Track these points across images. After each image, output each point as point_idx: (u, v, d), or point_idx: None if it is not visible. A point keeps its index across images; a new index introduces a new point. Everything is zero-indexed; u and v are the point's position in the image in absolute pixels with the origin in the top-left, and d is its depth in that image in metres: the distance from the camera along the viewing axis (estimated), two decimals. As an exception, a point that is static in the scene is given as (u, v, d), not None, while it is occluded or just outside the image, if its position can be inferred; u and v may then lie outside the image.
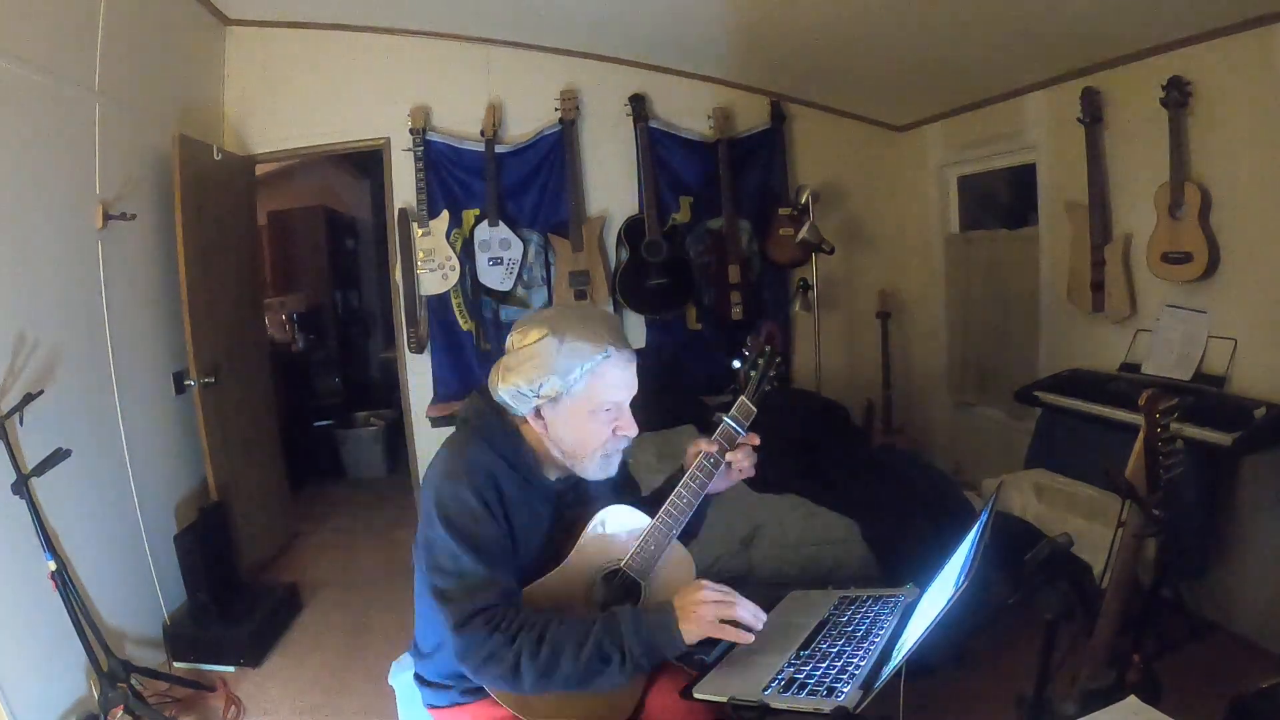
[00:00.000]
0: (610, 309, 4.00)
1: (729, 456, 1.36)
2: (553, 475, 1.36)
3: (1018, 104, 3.39)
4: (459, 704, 1.37)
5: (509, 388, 1.27)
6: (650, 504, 1.40)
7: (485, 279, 3.84)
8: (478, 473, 1.26)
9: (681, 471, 1.37)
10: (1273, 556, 2.33)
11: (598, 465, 1.32)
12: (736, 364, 1.41)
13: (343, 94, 3.85)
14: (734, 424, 1.37)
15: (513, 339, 1.30)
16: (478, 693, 1.34)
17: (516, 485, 1.30)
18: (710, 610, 1.19)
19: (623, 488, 1.48)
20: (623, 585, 1.34)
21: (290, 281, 5.70)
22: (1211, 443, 2.23)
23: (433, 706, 1.42)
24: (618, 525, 1.34)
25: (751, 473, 1.40)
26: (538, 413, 1.29)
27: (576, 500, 1.39)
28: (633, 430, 1.31)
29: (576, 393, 1.26)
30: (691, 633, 1.19)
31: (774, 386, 1.40)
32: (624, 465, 1.44)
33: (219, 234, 3.33)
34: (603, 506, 1.35)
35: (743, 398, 1.38)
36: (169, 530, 2.88)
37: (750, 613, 1.22)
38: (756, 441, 1.40)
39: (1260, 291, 2.42)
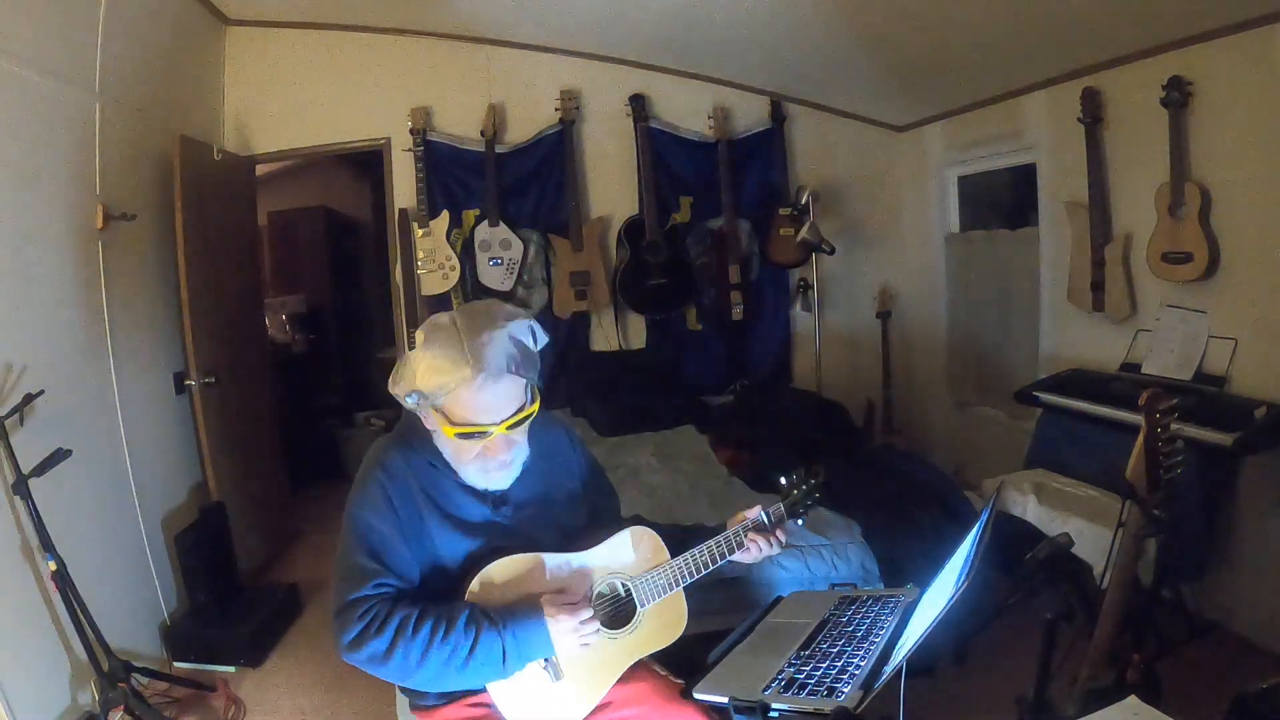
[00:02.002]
0: (610, 309, 4.00)
1: (753, 538, 1.41)
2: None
3: (1018, 104, 3.39)
4: (438, 706, 1.37)
5: (393, 390, 1.28)
6: (668, 535, 1.44)
7: (485, 279, 3.84)
8: (384, 465, 1.30)
9: (706, 527, 1.44)
10: (1273, 556, 2.33)
11: (475, 475, 1.31)
12: (784, 480, 1.51)
13: (343, 94, 3.85)
14: (767, 518, 1.45)
15: (414, 336, 1.32)
16: (452, 695, 1.34)
17: (434, 476, 1.32)
18: (576, 640, 1.26)
19: (570, 489, 1.48)
20: (619, 602, 1.37)
21: (290, 281, 5.69)
22: (1212, 443, 2.23)
23: (416, 708, 1.42)
24: (640, 545, 1.37)
25: (757, 559, 1.44)
26: (426, 416, 1.29)
27: (508, 494, 1.37)
28: (503, 454, 1.28)
29: (440, 407, 1.25)
30: (560, 646, 1.25)
31: (808, 512, 1.50)
32: (582, 452, 1.50)
33: (219, 234, 3.33)
34: (545, 501, 1.40)
35: (781, 504, 1.46)
36: (169, 530, 2.88)
37: (580, 620, 1.27)
38: (780, 547, 1.46)
39: (1260, 291, 2.41)
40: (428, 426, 1.31)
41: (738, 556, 1.42)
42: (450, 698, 1.35)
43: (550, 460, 1.44)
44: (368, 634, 1.19)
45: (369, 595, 1.22)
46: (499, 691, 1.29)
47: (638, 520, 1.46)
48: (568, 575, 1.33)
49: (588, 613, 1.27)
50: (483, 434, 1.25)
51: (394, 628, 1.19)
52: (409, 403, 1.26)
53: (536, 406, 1.31)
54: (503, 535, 1.35)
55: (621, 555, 1.36)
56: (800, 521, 1.49)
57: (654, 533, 1.39)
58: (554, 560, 1.33)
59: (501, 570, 1.30)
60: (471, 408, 1.24)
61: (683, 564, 1.36)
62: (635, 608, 1.35)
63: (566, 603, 1.27)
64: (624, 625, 1.35)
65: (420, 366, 1.23)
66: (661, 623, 1.38)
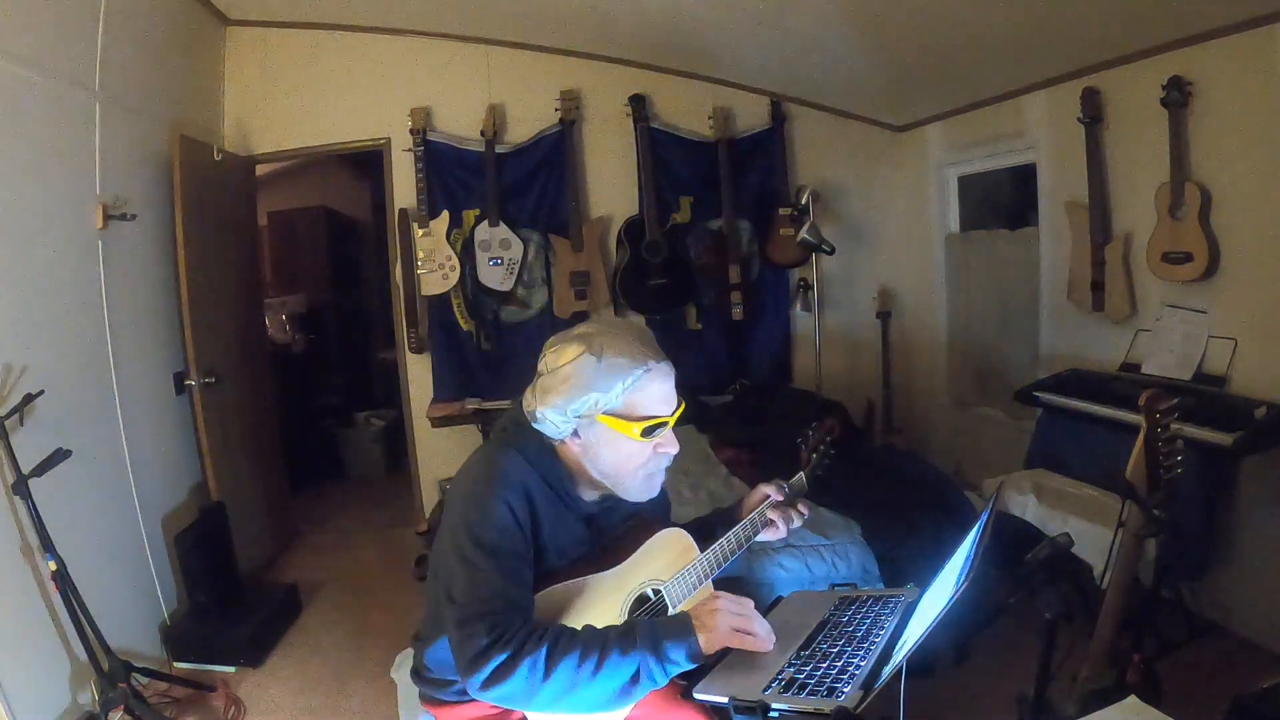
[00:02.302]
0: (610, 309, 4.00)
1: (773, 514, 1.43)
2: (588, 495, 1.34)
3: (1018, 104, 3.39)
4: (457, 702, 1.36)
5: (546, 409, 1.23)
6: (691, 533, 1.40)
7: (485, 279, 3.84)
8: (509, 484, 1.23)
9: (721, 510, 1.43)
10: (1273, 556, 2.33)
11: (640, 485, 1.29)
12: (800, 441, 1.52)
13: (343, 94, 3.85)
14: (788, 489, 1.46)
15: (546, 360, 1.26)
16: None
17: (550, 501, 1.28)
18: (727, 620, 1.18)
19: (665, 509, 1.50)
20: (652, 609, 1.33)
21: (290, 281, 5.70)
22: (1212, 443, 2.23)
23: (428, 701, 1.41)
24: (671, 547, 1.34)
25: (783, 534, 1.45)
26: (575, 433, 1.26)
27: (613, 522, 1.38)
28: (674, 447, 1.29)
29: (615, 410, 1.23)
30: (709, 641, 1.17)
31: (825, 472, 1.51)
32: (663, 488, 1.43)
33: (219, 234, 3.33)
34: (638, 527, 1.35)
35: (801, 474, 1.47)
36: (169, 530, 2.88)
37: (765, 630, 1.22)
38: (802, 519, 1.46)
39: (1260, 291, 2.42)
40: (573, 445, 1.27)
41: (763, 536, 1.42)
42: (468, 695, 1.34)
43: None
44: (496, 651, 1.10)
45: (500, 613, 1.13)
46: None
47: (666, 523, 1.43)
48: (606, 592, 1.29)
49: (733, 599, 1.23)
50: (663, 425, 1.26)
51: (539, 655, 1.11)
52: (574, 412, 1.22)
53: (684, 405, 1.31)
54: (574, 558, 1.32)
55: (654, 561, 1.33)
56: (819, 474, 1.50)
57: (682, 531, 1.35)
58: (590, 581, 1.29)
59: (544, 600, 1.25)
60: (656, 397, 1.25)
61: (710, 557, 1.35)
62: (667, 610, 1.32)
63: (697, 606, 1.22)
64: None
65: (594, 369, 1.20)
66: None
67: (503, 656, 1.09)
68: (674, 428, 1.31)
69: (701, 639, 1.16)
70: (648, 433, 1.24)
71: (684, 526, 1.46)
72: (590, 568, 1.29)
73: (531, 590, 1.21)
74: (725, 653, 1.30)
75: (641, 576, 1.31)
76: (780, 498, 1.43)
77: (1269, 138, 2.33)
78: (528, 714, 1.21)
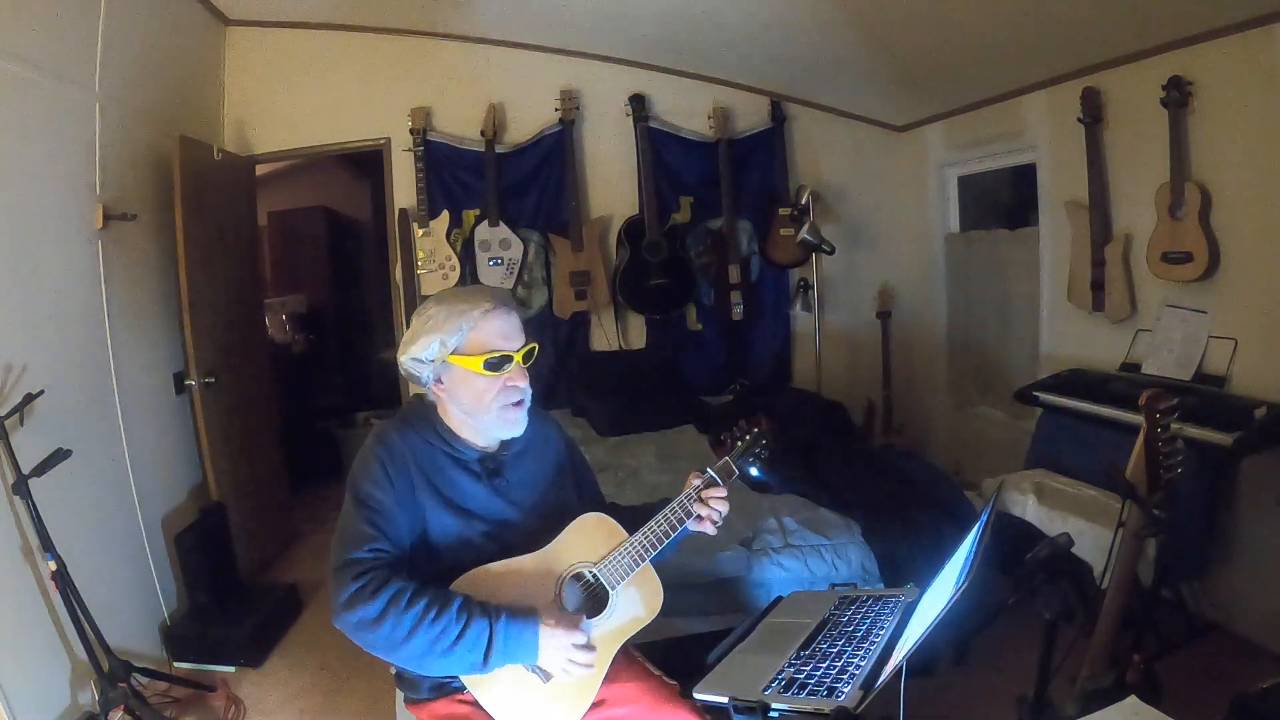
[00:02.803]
0: (610, 309, 4.01)
1: (698, 509, 1.42)
2: (475, 441, 1.42)
3: (1018, 104, 3.39)
4: (430, 700, 1.39)
5: (406, 357, 1.37)
6: (617, 514, 1.46)
7: (485, 279, 3.84)
8: (381, 443, 1.36)
9: (665, 502, 1.44)
10: (1273, 556, 2.33)
11: (497, 419, 1.38)
12: (723, 437, 1.56)
13: (343, 94, 3.85)
14: (714, 475, 1.46)
15: (411, 319, 1.41)
16: (444, 688, 1.37)
17: (437, 454, 1.39)
18: (562, 658, 1.27)
19: (560, 469, 1.54)
20: (591, 590, 1.39)
21: (290, 281, 5.69)
22: (1212, 443, 2.23)
23: (410, 702, 1.44)
24: (595, 532, 1.39)
25: (712, 530, 1.45)
26: (439, 380, 1.38)
27: (502, 468, 1.43)
28: (522, 380, 1.38)
29: (462, 349, 1.34)
30: (545, 659, 1.27)
31: (760, 464, 1.52)
32: (557, 430, 1.55)
33: (219, 234, 3.33)
34: (551, 492, 1.47)
35: (727, 458, 1.48)
36: (169, 530, 2.88)
37: (577, 674, 1.30)
38: (724, 506, 1.45)
39: (1260, 291, 2.42)
40: (438, 391, 1.39)
41: (693, 526, 1.43)
42: (441, 691, 1.37)
43: (542, 444, 1.51)
44: (361, 596, 1.21)
45: (365, 559, 1.25)
46: (487, 695, 1.30)
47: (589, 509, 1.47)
48: (532, 574, 1.35)
49: (583, 638, 1.29)
50: (507, 360, 1.36)
51: (388, 596, 1.21)
52: (426, 357, 1.34)
53: (535, 345, 1.41)
54: (492, 516, 1.39)
55: (580, 545, 1.38)
56: (753, 471, 1.51)
57: (603, 515, 1.41)
58: (518, 562, 1.35)
59: (474, 580, 1.32)
60: (496, 333, 1.36)
61: (641, 539, 1.38)
62: (607, 592, 1.37)
63: (564, 623, 1.28)
64: (600, 611, 1.37)
65: (438, 316, 1.34)
66: (638, 600, 1.40)
67: (369, 610, 1.21)
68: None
69: (541, 654, 1.27)
70: (491, 365, 1.35)
71: (625, 510, 1.55)
72: (510, 551, 1.36)
73: (402, 531, 1.32)
74: (726, 651, 1.31)
75: (570, 559, 1.37)
76: (698, 482, 1.44)
77: (1269, 138, 2.33)
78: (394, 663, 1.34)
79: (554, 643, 1.27)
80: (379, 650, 1.25)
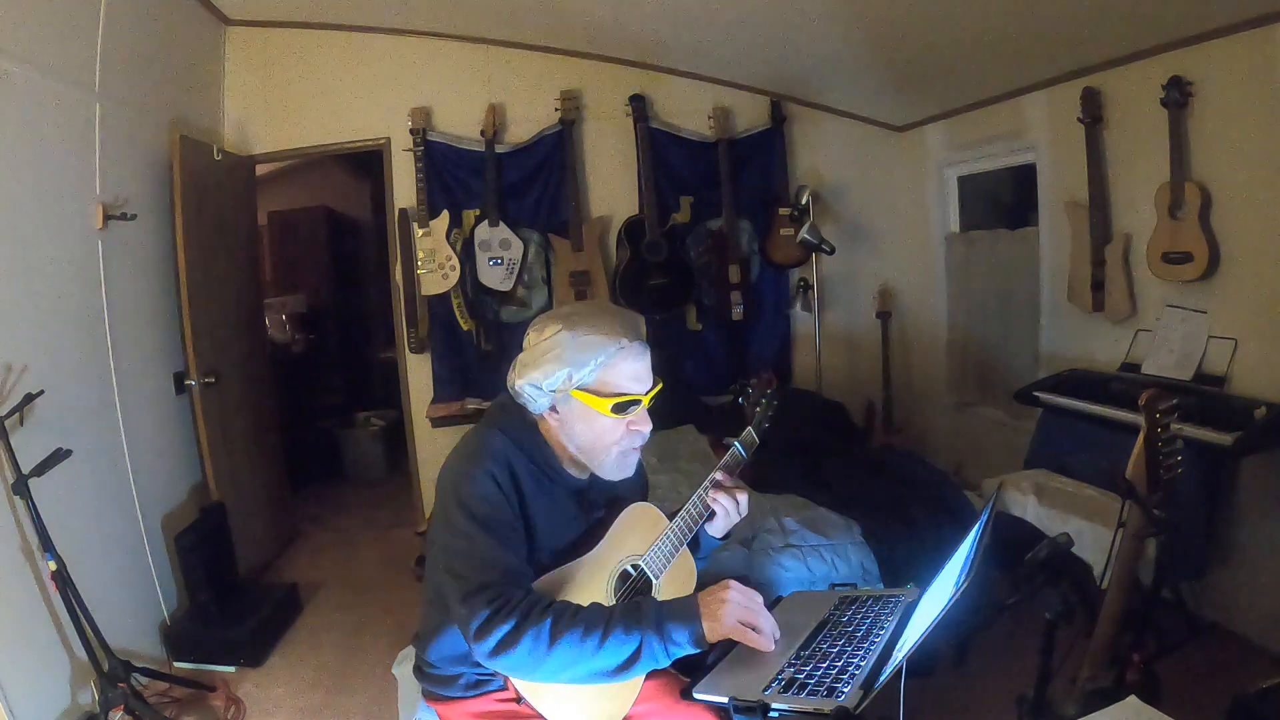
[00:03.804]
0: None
1: (715, 494, 1.39)
2: (574, 473, 1.36)
3: (1018, 104, 3.39)
4: (461, 698, 1.37)
5: (524, 382, 1.27)
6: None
7: (485, 279, 3.84)
8: (493, 458, 1.26)
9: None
10: (1273, 556, 2.33)
11: (614, 463, 1.31)
12: (740, 400, 1.50)
13: (343, 94, 3.85)
14: (741, 449, 1.42)
15: (529, 336, 1.31)
16: (479, 686, 1.34)
17: (534, 477, 1.30)
18: (734, 611, 1.19)
19: (644, 490, 1.51)
20: (636, 585, 1.36)
21: (290, 281, 5.70)
22: (1211, 443, 2.23)
23: (432, 698, 1.41)
24: (639, 522, 1.37)
25: (734, 519, 1.41)
26: (553, 409, 1.29)
27: (602, 500, 1.40)
28: (646, 425, 1.31)
29: (590, 385, 1.25)
30: (713, 629, 1.17)
31: (771, 425, 1.48)
32: (641, 468, 1.45)
33: (219, 234, 3.33)
34: (611, 507, 1.39)
35: (749, 429, 1.44)
36: (169, 530, 2.88)
37: (770, 626, 1.23)
38: (744, 496, 1.42)
39: (1260, 291, 2.42)
40: (550, 419, 1.30)
41: (708, 526, 1.42)
42: (479, 689, 1.34)
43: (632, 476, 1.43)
44: (498, 619, 1.13)
45: (498, 581, 1.16)
46: (536, 694, 1.25)
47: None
48: (589, 576, 1.32)
49: (738, 588, 1.23)
50: (635, 403, 1.28)
51: (523, 611, 1.14)
52: (548, 387, 1.25)
53: (661, 384, 1.33)
54: (572, 537, 1.36)
55: (628, 537, 1.35)
56: (766, 425, 1.49)
57: (647, 504, 1.39)
58: (572, 568, 1.31)
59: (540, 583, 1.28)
60: (628, 374, 1.27)
61: (679, 524, 1.36)
62: (651, 583, 1.35)
63: (712, 591, 1.22)
64: None
65: (566, 344, 1.23)
66: (677, 585, 1.38)
67: (507, 627, 1.12)
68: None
69: (705, 626, 1.17)
70: (619, 409, 1.26)
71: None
72: (570, 555, 1.31)
73: (527, 558, 1.24)
74: (729, 647, 1.30)
75: (619, 554, 1.34)
76: (739, 452, 1.42)
77: (1269, 138, 2.33)
78: (534, 681, 1.22)
79: (713, 610, 1.18)
80: (524, 670, 1.16)
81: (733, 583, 1.24)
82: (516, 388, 1.28)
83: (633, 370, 1.27)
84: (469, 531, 1.20)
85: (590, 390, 1.25)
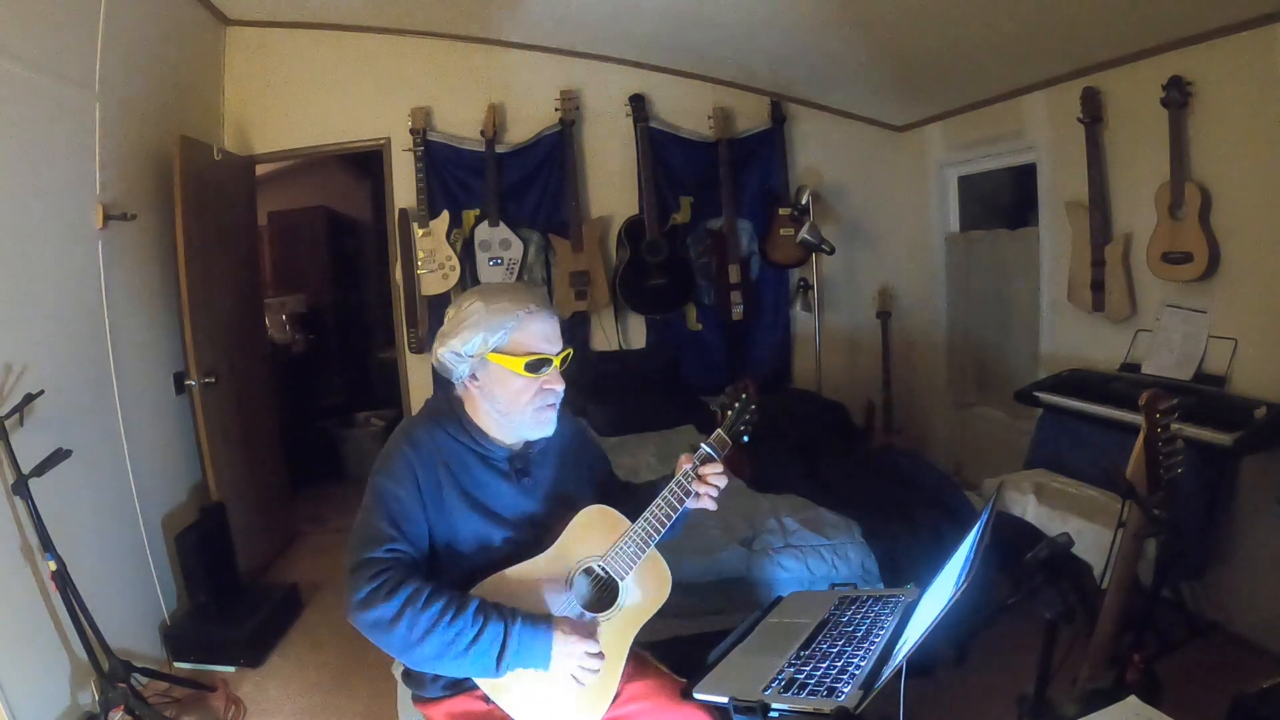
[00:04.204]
0: (610, 309, 4.01)
1: (696, 486, 1.42)
2: (501, 439, 1.41)
3: (1018, 104, 3.39)
4: (441, 698, 1.39)
5: (444, 350, 1.36)
6: (630, 497, 1.48)
7: (485, 279, 3.84)
8: (411, 440, 1.36)
9: (668, 479, 1.43)
10: (1273, 556, 2.33)
11: (531, 420, 1.38)
12: (715, 407, 1.56)
13: (343, 94, 3.85)
14: (710, 449, 1.45)
15: (449, 311, 1.40)
16: (457, 686, 1.36)
17: (460, 453, 1.38)
18: (570, 663, 1.27)
19: (579, 459, 1.55)
20: (599, 583, 1.39)
21: (290, 281, 5.70)
22: (1211, 443, 2.23)
23: (418, 700, 1.43)
24: (596, 524, 1.39)
25: (712, 505, 1.44)
26: (473, 376, 1.37)
27: (530, 467, 1.44)
28: (559, 384, 1.39)
29: (504, 347, 1.34)
30: (557, 654, 1.27)
31: (750, 430, 1.51)
32: (590, 437, 1.55)
33: (219, 234, 3.33)
34: (572, 488, 1.47)
35: (719, 430, 1.48)
36: (169, 530, 2.88)
37: (587, 681, 1.30)
38: (722, 481, 1.45)
39: (1260, 291, 2.42)
40: (471, 387, 1.38)
41: (692, 504, 1.42)
42: (456, 689, 1.36)
43: (559, 437, 1.47)
44: (377, 596, 1.21)
45: (383, 558, 1.25)
46: (505, 695, 1.29)
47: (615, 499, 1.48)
48: (545, 573, 1.35)
49: (596, 646, 1.29)
50: (546, 363, 1.36)
51: (404, 597, 1.21)
52: (466, 352, 1.33)
53: (571, 351, 1.41)
54: (517, 514, 1.40)
55: (585, 539, 1.38)
56: (745, 438, 1.51)
57: (605, 506, 1.41)
58: (530, 564, 1.35)
59: (492, 587, 1.32)
60: (538, 335, 1.36)
61: (643, 525, 1.37)
62: (616, 584, 1.37)
63: (577, 630, 1.29)
64: (612, 604, 1.37)
65: (481, 312, 1.34)
66: (648, 587, 1.40)
67: (385, 611, 1.20)
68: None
69: (555, 644, 1.27)
70: (532, 367, 1.35)
71: (628, 486, 1.59)
72: (528, 553, 1.36)
73: (422, 531, 1.32)
74: (726, 651, 1.31)
75: (576, 554, 1.37)
76: (709, 453, 1.44)
77: (1269, 138, 2.33)
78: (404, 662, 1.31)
79: (566, 649, 1.27)
80: (393, 650, 1.25)
81: (589, 642, 1.29)
82: (439, 356, 1.37)
83: (541, 330, 1.37)
84: (366, 506, 1.32)
85: (505, 352, 1.34)
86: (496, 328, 1.33)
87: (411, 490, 1.32)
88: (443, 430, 1.39)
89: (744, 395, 1.51)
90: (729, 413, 1.50)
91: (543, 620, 1.28)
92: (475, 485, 1.37)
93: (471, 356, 1.34)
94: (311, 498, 4.57)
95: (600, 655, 1.30)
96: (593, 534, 1.38)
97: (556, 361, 1.38)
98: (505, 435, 1.41)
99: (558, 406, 1.41)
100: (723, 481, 1.44)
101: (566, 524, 1.37)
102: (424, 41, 3.86)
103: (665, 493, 1.40)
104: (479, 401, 1.39)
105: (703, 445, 1.44)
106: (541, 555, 1.36)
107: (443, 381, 1.45)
